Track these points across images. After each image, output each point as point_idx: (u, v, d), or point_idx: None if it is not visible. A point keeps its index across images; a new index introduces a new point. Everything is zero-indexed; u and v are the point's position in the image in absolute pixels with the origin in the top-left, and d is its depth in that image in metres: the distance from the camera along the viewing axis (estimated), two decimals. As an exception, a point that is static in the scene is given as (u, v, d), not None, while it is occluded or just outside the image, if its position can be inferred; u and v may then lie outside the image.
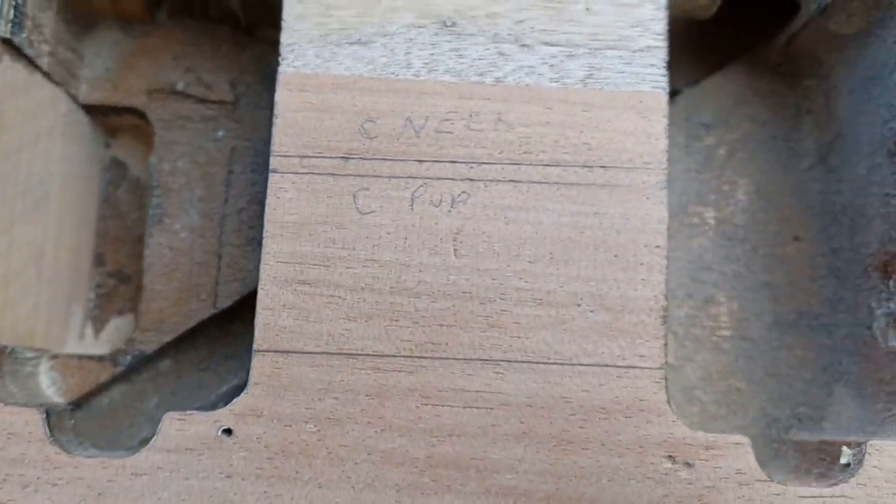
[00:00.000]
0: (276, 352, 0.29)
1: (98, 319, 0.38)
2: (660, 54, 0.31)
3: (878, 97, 0.35)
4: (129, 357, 0.35)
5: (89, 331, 0.38)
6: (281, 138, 0.30)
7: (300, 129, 0.30)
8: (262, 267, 0.29)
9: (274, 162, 0.30)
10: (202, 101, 0.37)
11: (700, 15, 0.35)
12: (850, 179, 0.37)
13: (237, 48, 0.38)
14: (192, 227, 0.36)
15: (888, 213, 0.34)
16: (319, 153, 0.30)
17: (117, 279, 0.39)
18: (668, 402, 0.29)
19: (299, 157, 0.30)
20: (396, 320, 0.29)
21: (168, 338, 0.35)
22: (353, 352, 0.29)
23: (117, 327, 0.38)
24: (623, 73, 0.31)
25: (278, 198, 0.30)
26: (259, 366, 0.29)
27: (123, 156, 0.40)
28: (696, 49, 0.40)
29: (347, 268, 0.29)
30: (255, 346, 0.29)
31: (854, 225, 0.37)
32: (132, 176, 0.40)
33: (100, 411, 0.37)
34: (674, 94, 0.40)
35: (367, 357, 0.29)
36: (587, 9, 0.31)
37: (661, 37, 0.31)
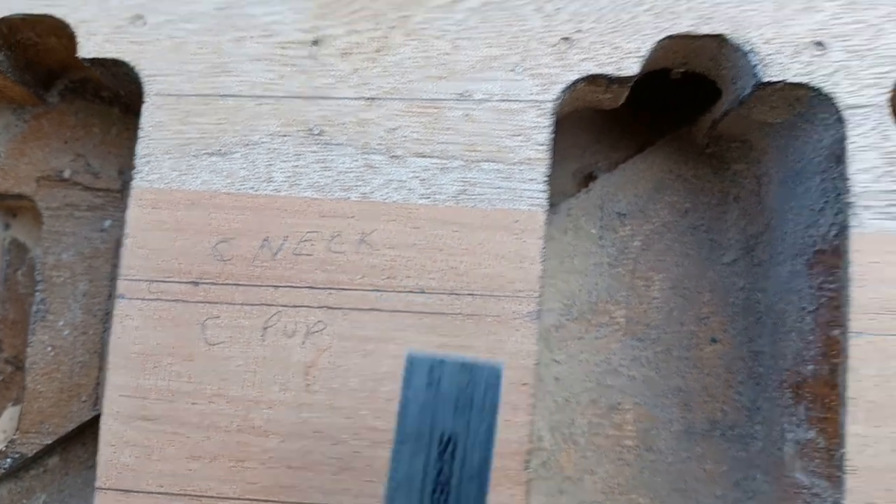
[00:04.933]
0: (118, 490, 0.28)
1: (-9, 408, 0.37)
2: (541, 168, 0.28)
3: (803, 196, 0.32)
4: (8, 460, 0.34)
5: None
6: (129, 260, 0.28)
7: (150, 250, 0.28)
8: (105, 401, 0.28)
9: (121, 286, 0.28)
10: (89, 188, 0.36)
11: (609, 106, 0.33)
12: (776, 278, 0.34)
13: (128, 131, 0.36)
14: (75, 323, 0.35)
15: (802, 329, 0.31)
16: (168, 277, 0.28)
17: (13, 366, 0.38)
18: (533, 551, 0.27)
19: (148, 280, 0.28)
20: (243, 461, 0.27)
21: (49, 440, 0.34)
22: (197, 493, 0.27)
23: (12, 416, 0.38)
24: (499, 188, 0.28)
25: (123, 326, 0.28)
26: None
27: (24, 237, 0.39)
28: (615, 130, 0.37)
29: (193, 403, 0.28)
30: (96, 484, 0.28)
31: (777, 330, 0.34)
32: (31, 258, 0.39)
33: (-14, 508, 0.36)
34: (588, 179, 0.37)
35: (211, 499, 0.27)
36: (465, 115, 0.29)
37: (544, 147, 0.29)
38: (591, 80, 0.30)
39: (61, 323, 0.35)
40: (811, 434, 0.30)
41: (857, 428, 0.28)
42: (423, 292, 0.28)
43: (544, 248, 0.28)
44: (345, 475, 0.27)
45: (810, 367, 0.30)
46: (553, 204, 0.37)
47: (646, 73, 0.34)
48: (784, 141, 0.33)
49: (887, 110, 0.30)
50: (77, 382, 0.35)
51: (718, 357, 0.35)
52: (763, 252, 0.35)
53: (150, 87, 0.29)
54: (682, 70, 0.33)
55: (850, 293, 0.28)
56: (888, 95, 0.30)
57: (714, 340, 0.35)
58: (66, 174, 0.36)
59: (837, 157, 0.29)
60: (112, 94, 0.36)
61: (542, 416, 0.35)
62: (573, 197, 0.36)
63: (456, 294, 0.28)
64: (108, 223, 0.36)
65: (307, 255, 0.28)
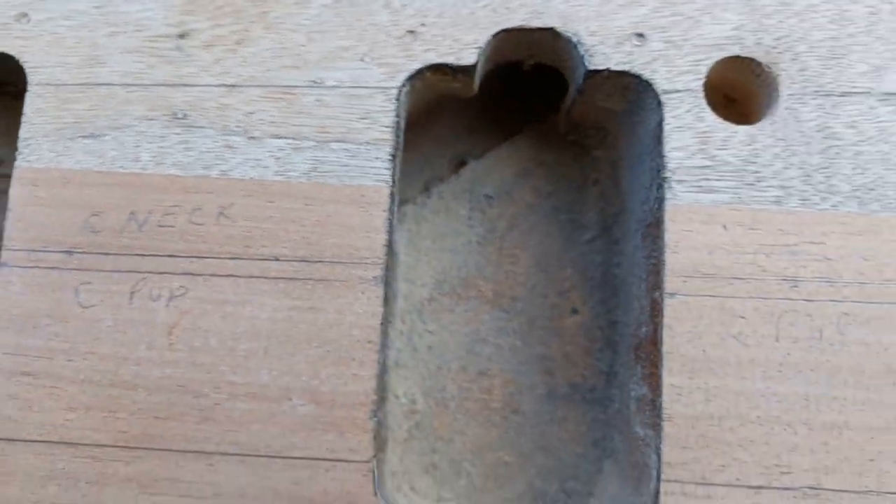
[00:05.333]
0: (1, 440, 0.30)
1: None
2: (386, 147, 0.31)
3: (641, 176, 0.35)
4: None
5: None
6: (11, 232, 0.31)
7: (29, 223, 0.31)
8: (-12, 360, 0.30)
9: (4, 256, 0.31)
10: (-5, 175, 0.39)
11: (464, 94, 0.36)
12: (627, 253, 0.37)
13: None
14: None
15: (639, 297, 0.34)
16: (45, 247, 0.31)
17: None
18: (376, 493, 0.30)
19: (27, 250, 0.31)
20: (114, 412, 0.30)
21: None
22: (73, 441, 0.30)
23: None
24: (348, 166, 0.31)
25: (6, 291, 0.31)
26: (-16, 454, 0.30)
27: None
28: (485, 121, 0.40)
29: (69, 360, 0.30)
30: (-21, 436, 0.30)
31: (627, 300, 0.37)
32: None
33: None
34: (460, 165, 0.40)
35: (86, 447, 0.30)
36: (317, 101, 0.32)
37: (389, 129, 0.32)
38: (436, 68, 0.33)
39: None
40: (644, 390, 0.33)
41: (673, 379, 0.30)
42: (276, 260, 0.31)
43: (389, 219, 0.31)
44: (206, 424, 0.30)
45: (644, 330, 0.33)
46: (427, 188, 0.40)
47: (505, 66, 0.37)
48: (629, 127, 0.36)
49: (701, 94, 0.33)
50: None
51: (578, 327, 0.38)
52: (618, 230, 0.38)
53: (33, 78, 0.32)
54: (531, 62, 0.36)
55: (666, 258, 0.31)
56: (702, 81, 0.33)
57: (574, 311, 0.38)
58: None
59: (659, 137, 0.32)
60: (16, 90, 0.39)
61: (416, 383, 0.38)
62: (444, 182, 0.39)
63: (307, 261, 0.31)
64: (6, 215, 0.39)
65: (170, 226, 0.31)
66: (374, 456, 0.30)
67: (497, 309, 0.38)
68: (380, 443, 0.31)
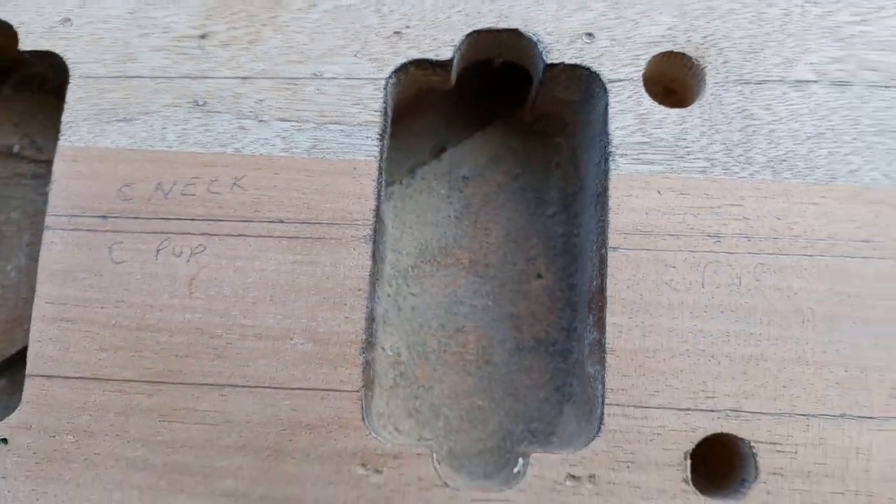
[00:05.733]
0: (43, 376, 0.35)
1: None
2: (375, 128, 0.37)
3: (594, 155, 0.41)
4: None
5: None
6: (55, 201, 0.37)
7: (70, 193, 0.37)
8: (34, 307, 0.36)
9: (48, 220, 0.36)
10: (34, 160, 0.44)
11: (442, 87, 0.41)
12: (585, 224, 0.43)
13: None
14: (20, 267, 0.43)
15: (592, 257, 0.40)
16: (83, 213, 0.36)
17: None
18: (364, 418, 0.35)
19: (68, 216, 0.36)
20: (140, 351, 0.35)
21: (-6, 361, 0.42)
22: (104, 377, 0.35)
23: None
24: (343, 143, 0.37)
25: (49, 250, 0.36)
26: (29, 388, 0.35)
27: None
28: (462, 114, 0.46)
29: (102, 308, 0.36)
30: (27, 372, 0.35)
31: (584, 264, 0.42)
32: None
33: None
34: (440, 151, 0.46)
35: (115, 381, 0.35)
36: (317, 90, 0.38)
37: (378, 113, 0.37)
38: (418, 63, 0.38)
39: (9, 267, 0.43)
40: (595, 334, 0.38)
41: (615, 319, 0.36)
42: (281, 222, 0.36)
43: (377, 188, 0.37)
44: (219, 361, 0.35)
45: (594, 283, 0.39)
46: (411, 171, 0.45)
47: (476, 63, 0.43)
48: (584, 115, 0.42)
49: (640, 83, 0.38)
50: (20, 314, 0.42)
51: (542, 289, 0.43)
52: (577, 206, 0.44)
53: (75, 72, 0.38)
54: (500, 60, 0.42)
55: (609, 219, 0.37)
56: (641, 72, 0.39)
57: (539, 276, 0.44)
58: (16, 149, 0.44)
59: (605, 120, 0.38)
60: (54, 86, 0.45)
61: (401, 338, 0.43)
62: (427, 165, 0.45)
63: (307, 223, 0.36)
64: (48, 188, 0.44)
65: (191, 195, 0.36)
66: (363, 387, 0.35)
67: (472, 274, 0.44)
68: (367, 381, 0.36)
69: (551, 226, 0.44)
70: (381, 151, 0.37)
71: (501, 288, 0.44)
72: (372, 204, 0.37)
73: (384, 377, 0.42)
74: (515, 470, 0.36)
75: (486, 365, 0.43)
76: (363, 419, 0.35)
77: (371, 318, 0.37)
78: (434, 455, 0.35)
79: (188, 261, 0.36)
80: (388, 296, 0.43)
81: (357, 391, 0.35)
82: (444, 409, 0.42)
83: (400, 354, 0.43)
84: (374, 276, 0.37)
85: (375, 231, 0.37)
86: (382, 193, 0.39)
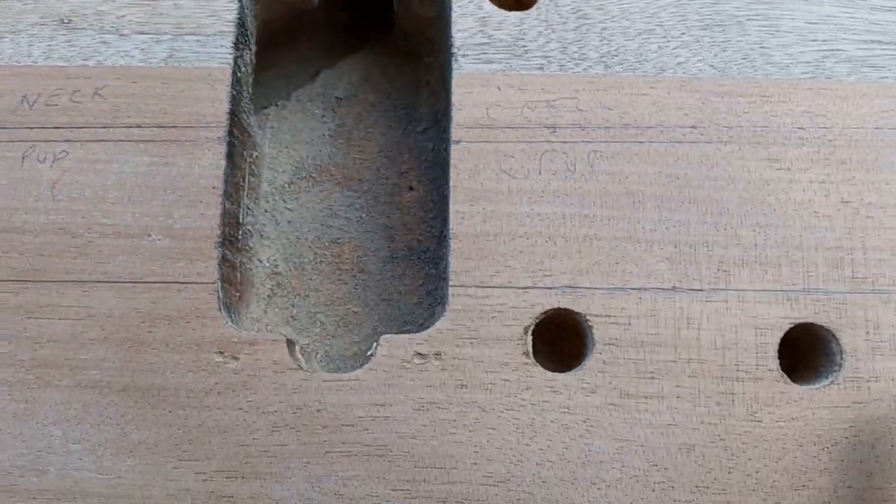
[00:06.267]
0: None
1: None
2: (229, 37, 0.39)
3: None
4: None
5: None
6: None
7: (-60, 106, 0.38)
8: None
9: (-80, 134, 0.38)
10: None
11: (305, 7, 0.43)
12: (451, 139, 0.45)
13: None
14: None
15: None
16: (-48, 125, 0.38)
17: None
18: (220, 308, 0.37)
19: (-60, 129, 0.38)
20: (7, 252, 0.37)
21: None
22: (-27, 276, 0.37)
23: None
24: (198, 52, 0.39)
25: (-76, 161, 0.38)
26: None
27: None
28: (334, 38, 0.48)
29: (-30, 213, 0.37)
30: None
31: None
32: None
33: None
34: (316, 75, 0.48)
35: (-15, 279, 0.37)
36: (174, 4, 0.40)
37: (232, 23, 0.39)
38: (272, -20, 0.41)
39: None
40: (451, 231, 0.40)
41: (458, 207, 0.38)
42: (139, 127, 0.38)
43: (231, 92, 0.39)
44: (81, 259, 0.37)
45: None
46: (288, 94, 0.47)
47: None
48: (445, 32, 0.44)
49: (483, -10, 0.41)
50: None
51: (414, 201, 0.45)
52: (446, 121, 0.46)
53: (-56, -2, 0.40)
54: (361, -21, 0.44)
55: (452, 114, 0.39)
56: (484, -21, 0.41)
57: (411, 189, 0.46)
58: None
59: (449, 24, 0.40)
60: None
61: (278, 251, 0.45)
62: (302, 88, 0.47)
63: (163, 127, 0.38)
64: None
65: (55, 105, 0.38)
66: (219, 279, 0.37)
67: (346, 189, 0.46)
68: (229, 278, 0.38)
69: (422, 141, 0.46)
70: (238, 60, 0.39)
71: (375, 201, 0.46)
72: (225, 107, 0.38)
73: (261, 287, 0.44)
74: (368, 353, 0.38)
75: (360, 273, 0.45)
76: (220, 309, 0.37)
77: (233, 218, 0.39)
78: (295, 345, 0.37)
79: (51, 166, 0.38)
80: (266, 211, 0.45)
81: (213, 283, 0.37)
82: (321, 316, 0.44)
83: (277, 266, 0.44)
84: (236, 180, 0.39)
85: (231, 134, 0.39)
86: (247, 106, 0.41)
